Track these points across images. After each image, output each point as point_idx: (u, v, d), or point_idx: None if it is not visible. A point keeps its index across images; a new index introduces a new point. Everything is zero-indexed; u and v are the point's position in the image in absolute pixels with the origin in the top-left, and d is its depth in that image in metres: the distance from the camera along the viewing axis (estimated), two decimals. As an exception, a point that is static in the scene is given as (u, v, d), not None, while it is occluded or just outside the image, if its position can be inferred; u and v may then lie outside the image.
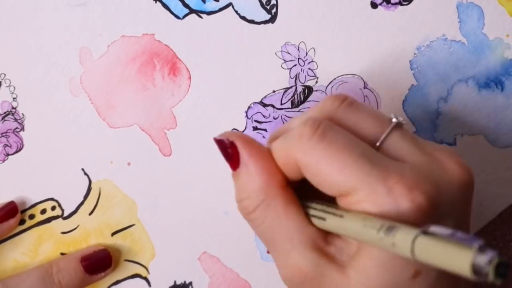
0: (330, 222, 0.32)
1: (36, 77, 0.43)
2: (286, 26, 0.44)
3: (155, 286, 0.45)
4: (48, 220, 0.44)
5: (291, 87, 0.44)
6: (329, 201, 0.33)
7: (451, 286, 0.32)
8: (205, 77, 0.44)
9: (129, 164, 0.44)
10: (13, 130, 0.43)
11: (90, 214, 0.44)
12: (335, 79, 0.44)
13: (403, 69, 0.44)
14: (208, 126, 0.44)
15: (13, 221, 0.43)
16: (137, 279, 0.44)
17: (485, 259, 0.24)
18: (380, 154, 0.32)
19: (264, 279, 0.45)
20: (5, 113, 0.43)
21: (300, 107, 0.44)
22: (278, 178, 0.34)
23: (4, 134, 0.43)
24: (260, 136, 0.44)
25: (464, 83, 0.44)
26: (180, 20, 0.44)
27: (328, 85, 0.44)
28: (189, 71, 0.44)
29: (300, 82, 0.44)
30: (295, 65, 0.44)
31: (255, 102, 0.44)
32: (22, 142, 0.43)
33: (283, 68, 0.44)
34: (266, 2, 0.43)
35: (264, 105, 0.44)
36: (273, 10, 0.44)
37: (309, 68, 0.44)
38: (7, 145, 0.43)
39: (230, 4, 0.43)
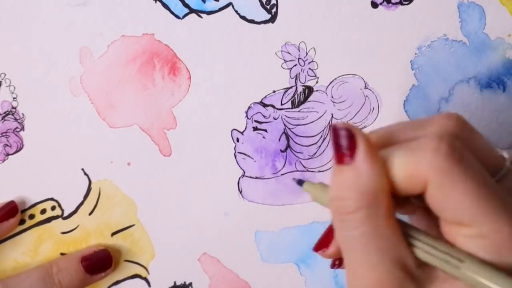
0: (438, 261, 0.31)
1: (36, 77, 0.43)
2: (286, 26, 0.43)
3: (155, 286, 0.44)
4: (48, 220, 0.44)
5: (291, 87, 0.44)
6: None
7: None
8: (205, 77, 0.44)
9: (129, 164, 0.44)
10: (13, 130, 0.43)
11: (90, 214, 0.44)
12: (335, 79, 0.44)
13: (404, 69, 0.44)
14: (208, 126, 0.44)
15: (13, 221, 0.43)
16: (137, 280, 0.44)
17: None
18: (504, 189, 0.31)
19: (264, 280, 0.45)
20: (5, 113, 0.43)
21: (301, 107, 0.44)
22: (387, 187, 0.31)
23: (4, 134, 0.43)
24: (260, 136, 0.44)
25: (466, 83, 0.44)
26: (180, 20, 0.43)
27: (328, 85, 0.44)
28: (189, 71, 0.44)
29: (301, 82, 0.44)
30: (295, 65, 0.44)
31: (255, 102, 0.44)
32: (22, 142, 0.43)
33: (283, 68, 0.44)
34: (266, 2, 0.43)
35: (264, 105, 0.44)
36: (273, 10, 0.43)
37: (310, 68, 0.44)
38: (7, 145, 0.43)
39: (230, 4, 0.43)
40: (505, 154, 0.33)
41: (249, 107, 0.44)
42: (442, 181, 0.30)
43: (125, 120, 0.44)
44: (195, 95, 0.44)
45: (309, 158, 0.44)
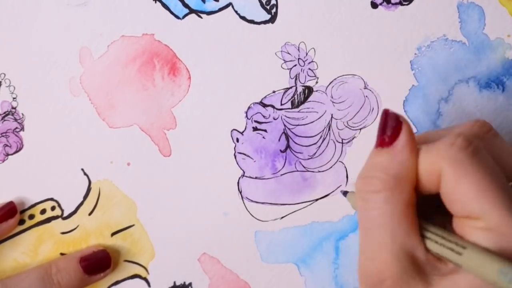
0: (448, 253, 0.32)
1: (36, 77, 0.43)
2: (286, 26, 0.44)
3: (155, 286, 0.44)
4: (48, 220, 0.44)
5: (291, 87, 0.44)
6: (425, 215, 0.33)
7: None
8: (205, 77, 0.44)
9: (129, 164, 0.44)
10: (13, 130, 0.43)
11: (89, 214, 0.44)
12: (335, 79, 0.44)
13: (403, 69, 0.44)
14: (208, 126, 0.44)
15: (12, 221, 0.43)
16: (137, 280, 0.44)
17: None
18: None
19: (264, 280, 0.45)
20: (5, 113, 0.43)
21: (300, 107, 0.44)
22: (413, 178, 0.33)
23: (4, 134, 0.43)
24: (260, 136, 0.44)
25: (465, 84, 0.44)
26: (180, 20, 0.44)
27: (328, 85, 0.44)
28: (189, 71, 0.44)
29: (300, 82, 0.44)
30: (295, 65, 0.44)
31: (255, 102, 0.44)
32: (22, 142, 0.43)
33: (283, 68, 0.44)
34: (266, 2, 0.43)
35: (264, 105, 0.44)
36: (273, 10, 0.43)
37: (309, 68, 0.44)
38: (7, 145, 0.43)
39: (230, 4, 0.43)
40: None
41: (249, 107, 0.44)
42: (454, 170, 0.31)
43: (125, 120, 0.44)
44: (195, 95, 0.44)
45: (309, 158, 0.44)
